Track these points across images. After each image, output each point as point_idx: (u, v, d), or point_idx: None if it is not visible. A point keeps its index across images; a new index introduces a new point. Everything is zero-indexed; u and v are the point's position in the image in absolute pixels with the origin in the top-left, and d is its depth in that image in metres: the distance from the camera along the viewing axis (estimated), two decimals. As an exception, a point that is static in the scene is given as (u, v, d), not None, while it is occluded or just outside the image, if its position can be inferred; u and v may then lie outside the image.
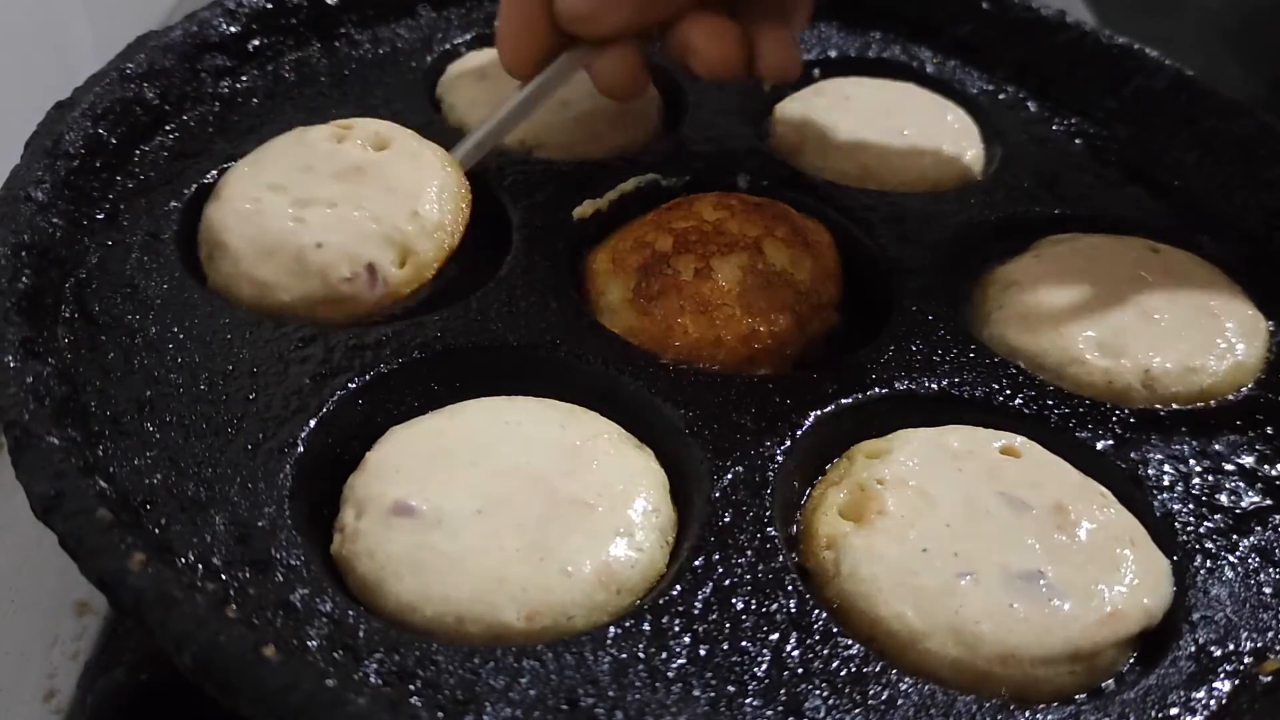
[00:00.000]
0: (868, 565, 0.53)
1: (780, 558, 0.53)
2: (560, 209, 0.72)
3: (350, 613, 0.48)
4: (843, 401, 0.61)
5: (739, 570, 0.52)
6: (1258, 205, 0.79)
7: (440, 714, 0.45)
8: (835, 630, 0.50)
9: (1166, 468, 0.60)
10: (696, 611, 0.50)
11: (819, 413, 0.60)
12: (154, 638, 0.43)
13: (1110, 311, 0.69)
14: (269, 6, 0.81)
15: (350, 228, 0.64)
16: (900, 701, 0.48)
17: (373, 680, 0.46)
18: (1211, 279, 0.73)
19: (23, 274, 0.57)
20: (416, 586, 0.50)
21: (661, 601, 0.50)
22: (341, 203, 0.65)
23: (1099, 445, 0.61)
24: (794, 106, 0.87)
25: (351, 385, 0.58)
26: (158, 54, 0.73)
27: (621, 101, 0.75)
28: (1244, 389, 0.67)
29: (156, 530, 0.51)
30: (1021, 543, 0.54)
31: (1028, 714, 0.49)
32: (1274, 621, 0.54)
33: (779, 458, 0.58)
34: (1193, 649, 0.52)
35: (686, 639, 0.49)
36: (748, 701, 0.47)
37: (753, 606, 0.51)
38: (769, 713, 0.47)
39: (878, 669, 0.49)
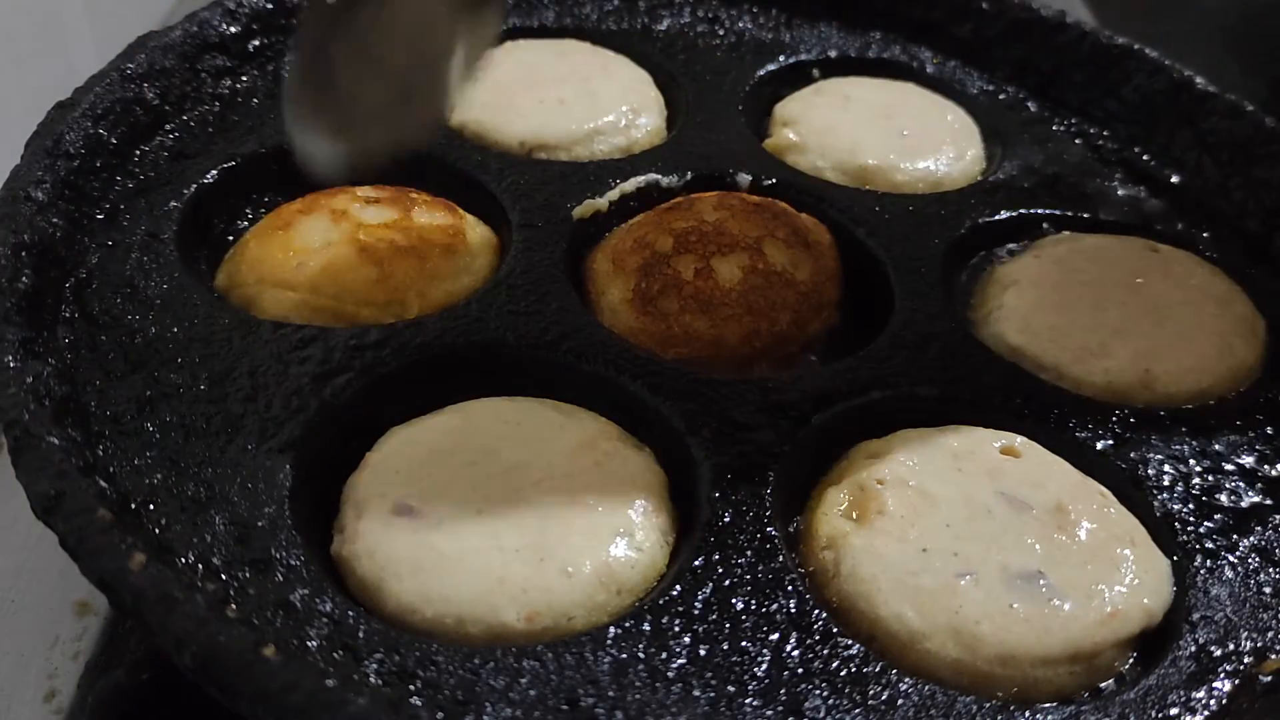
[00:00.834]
0: (868, 565, 0.53)
1: (780, 558, 0.53)
2: (560, 209, 0.72)
3: (350, 613, 0.48)
4: (843, 402, 0.61)
5: (739, 570, 0.52)
6: (1258, 205, 0.79)
7: (440, 714, 0.45)
8: (835, 630, 0.50)
9: (1166, 468, 0.60)
10: (696, 611, 0.50)
11: (819, 413, 0.60)
12: (154, 638, 0.43)
13: (1110, 311, 0.69)
14: (269, 6, 0.81)
15: None
16: (900, 702, 0.48)
17: (373, 680, 0.46)
18: (1211, 279, 0.73)
19: (23, 274, 0.57)
20: (416, 587, 0.50)
21: (661, 602, 0.50)
22: None
23: (1099, 445, 0.61)
24: (794, 106, 0.87)
25: (351, 385, 0.58)
26: (158, 54, 0.73)
27: None
28: (1244, 389, 0.67)
29: (156, 530, 0.50)
30: (1021, 543, 0.54)
31: (1027, 714, 0.48)
32: (1274, 621, 0.54)
33: (779, 458, 0.58)
34: (1193, 649, 0.52)
35: (686, 639, 0.49)
36: (748, 701, 0.47)
37: (753, 606, 0.51)
38: (769, 713, 0.47)
39: (878, 669, 0.49)
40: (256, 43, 0.80)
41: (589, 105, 0.81)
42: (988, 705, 0.48)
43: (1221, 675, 0.51)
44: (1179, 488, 0.60)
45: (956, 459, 0.58)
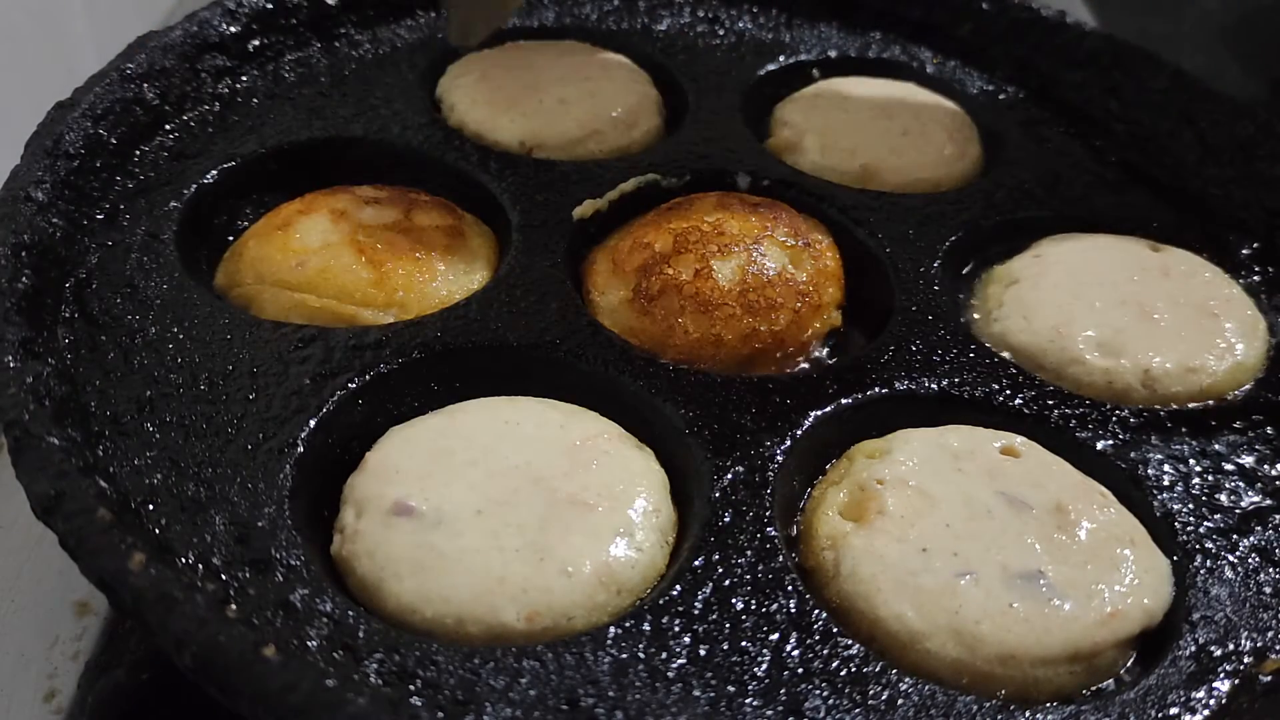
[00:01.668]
0: (868, 565, 0.53)
1: (780, 558, 0.53)
2: (560, 209, 0.72)
3: (350, 613, 0.48)
4: (843, 401, 0.61)
5: (739, 570, 0.52)
6: (1258, 205, 0.79)
7: (440, 714, 0.45)
8: (835, 630, 0.50)
9: (1166, 468, 0.60)
10: (696, 611, 0.50)
11: (819, 413, 0.60)
12: (154, 638, 0.43)
13: (1110, 311, 0.69)
14: (269, 6, 0.81)
15: None
16: (900, 702, 0.48)
17: (373, 680, 0.46)
18: (1211, 279, 0.73)
19: (23, 274, 0.57)
20: (416, 587, 0.50)
21: (661, 602, 0.50)
22: None
23: (1099, 445, 0.61)
24: (794, 106, 0.87)
25: (351, 385, 0.58)
26: (158, 54, 0.73)
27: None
28: (1244, 389, 0.67)
29: (156, 530, 0.51)
30: (1021, 543, 0.54)
31: (1027, 714, 0.48)
32: (1274, 621, 0.54)
33: (779, 458, 0.58)
34: (1193, 649, 0.52)
35: (686, 639, 0.49)
36: (748, 701, 0.47)
37: (753, 606, 0.51)
38: (769, 713, 0.47)
39: (878, 669, 0.49)
40: (256, 43, 0.80)
41: (589, 105, 0.81)
42: (988, 705, 0.48)
43: (1221, 675, 0.51)
44: (1179, 488, 0.60)
45: (956, 459, 0.58)
